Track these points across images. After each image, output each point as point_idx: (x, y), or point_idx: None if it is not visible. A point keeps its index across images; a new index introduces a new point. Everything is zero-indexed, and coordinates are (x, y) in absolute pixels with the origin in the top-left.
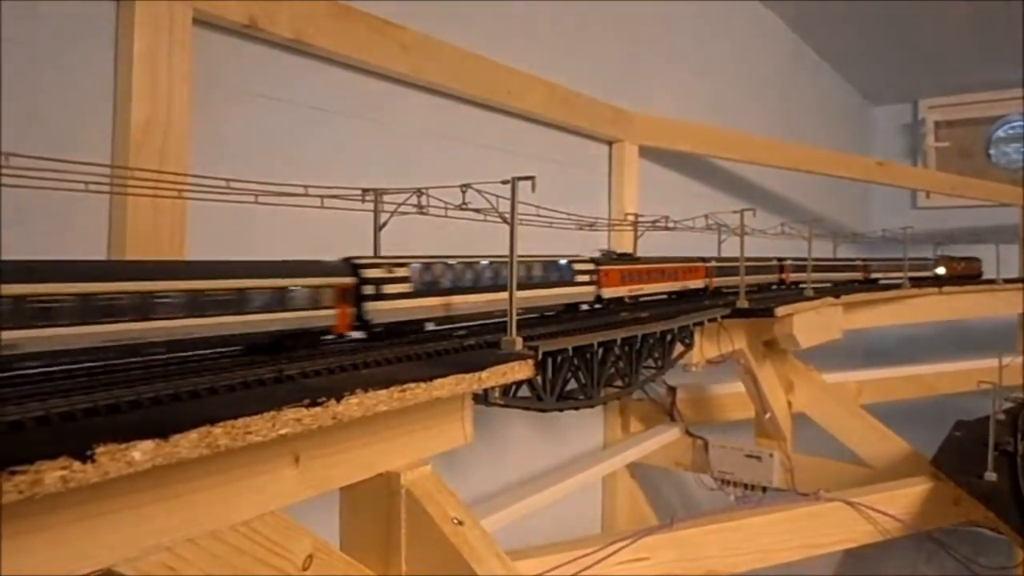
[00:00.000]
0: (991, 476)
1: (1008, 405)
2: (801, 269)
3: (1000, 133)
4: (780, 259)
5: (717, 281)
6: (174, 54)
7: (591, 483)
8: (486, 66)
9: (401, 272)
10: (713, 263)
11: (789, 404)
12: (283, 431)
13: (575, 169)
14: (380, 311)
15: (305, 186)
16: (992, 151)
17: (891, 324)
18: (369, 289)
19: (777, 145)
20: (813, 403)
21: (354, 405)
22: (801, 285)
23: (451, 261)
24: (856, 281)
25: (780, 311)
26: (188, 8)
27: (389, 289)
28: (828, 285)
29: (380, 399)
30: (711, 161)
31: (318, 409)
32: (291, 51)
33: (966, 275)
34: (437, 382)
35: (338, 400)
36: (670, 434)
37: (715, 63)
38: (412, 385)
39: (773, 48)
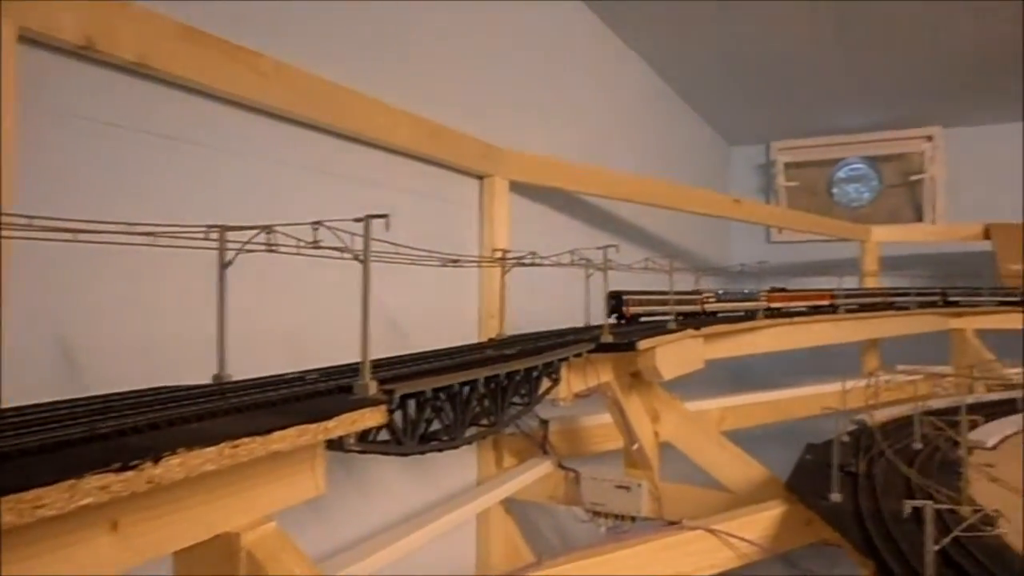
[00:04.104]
0: (836, 497)
1: (852, 427)
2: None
3: (841, 174)
4: (944, 288)
5: (840, 302)
6: None
7: (465, 521)
8: (350, 97)
9: (711, 294)
10: (839, 290)
11: (656, 434)
12: (85, 501)
13: (446, 204)
14: (711, 309)
15: (128, 223)
16: (835, 190)
17: (749, 354)
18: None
19: (641, 182)
20: (677, 432)
21: (175, 466)
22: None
23: (722, 291)
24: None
25: (642, 344)
26: (12, 25)
27: (709, 299)
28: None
29: (207, 458)
30: (582, 198)
31: (131, 473)
32: (136, 75)
33: None
34: (276, 435)
35: (156, 462)
36: (543, 468)
37: (584, 103)
38: (246, 440)
39: (638, 90)
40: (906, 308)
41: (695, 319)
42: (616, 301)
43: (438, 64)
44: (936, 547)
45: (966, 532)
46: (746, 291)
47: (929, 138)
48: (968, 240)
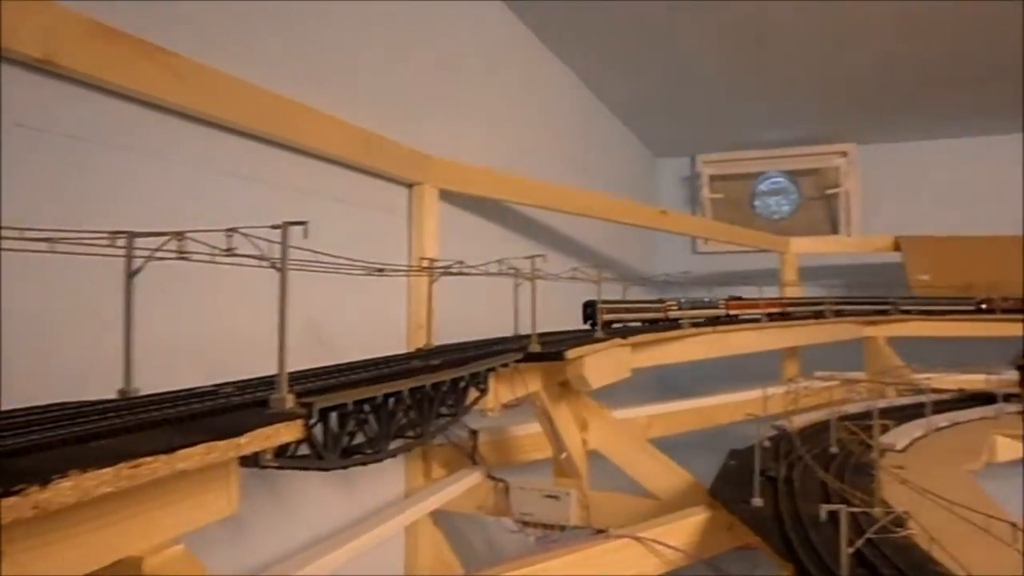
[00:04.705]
0: (757, 501)
1: (773, 433)
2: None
3: (762, 187)
4: (896, 298)
5: (792, 310)
6: None
7: (392, 535)
8: (273, 101)
9: (673, 303)
10: (787, 300)
11: (584, 442)
12: None
13: (374, 211)
14: (674, 316)
15: (22, 228)
16: (757, 203)
17: (677, 362)
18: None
19: (570, 192)
20: (605, 440)
21: (66, 490)
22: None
23: (684, 299)
24: None
25: (570, 354)
26: None
27: (672, 307)
28: None
29: (103, 480)
30: (511, 207)
31: (14, 499)
32: (44, 73)
33: None
34: (181, 453)
35: (43, 485)
36: (472, 478)
37: (515, 114)
38: (148, 459)
39: (567, 101)
40: (863, 315)
41: (658, 325)
42: (591, 309)
43: (362, 69)
44: (850, 549)
45: (878, 534)
46: (707, 299)
47: (844, 154)
48: (880, 251)
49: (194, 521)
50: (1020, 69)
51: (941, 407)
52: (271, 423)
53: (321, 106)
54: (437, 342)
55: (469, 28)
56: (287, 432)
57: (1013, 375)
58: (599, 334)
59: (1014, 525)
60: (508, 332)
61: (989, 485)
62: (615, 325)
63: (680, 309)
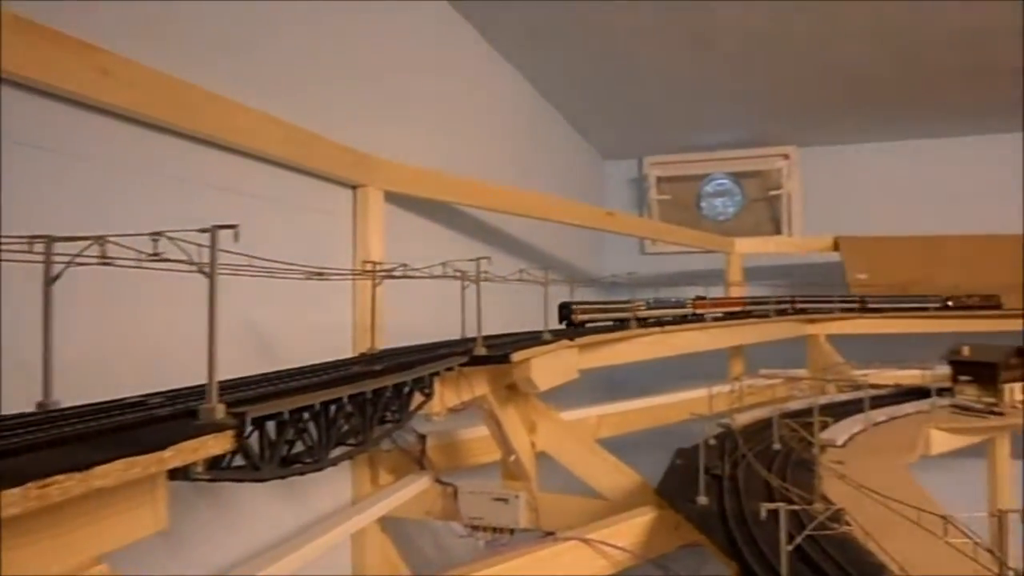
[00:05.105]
0: (703, 500)
1: (719, 431)
2: None
3: (708, 189)
4: (861, 296)
5: (752, 308)
6: None
7: (338, 543)
8: (208, 99)
9: (642, 303)
10: (748, 299)
11: (533, 444)
12: None
13: (319, 214)
14: (642, 315)
15: None
16: (703, 204)
17: (624, 362)
18: (641, 307)
19: (517, 194)
20: (553, 441)
21: None
22: None
23: (652, 299)
24: None
25: (516, 357)
26: None
27: (640, 307)
28: None
29: (9, 500)
30: (459, 209)
31: None
32: None
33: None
34: (98, 470)
35: None
36: (420, 483)
37: (462, 116)
38: (61, 478)
39: (516, 104)
40: (828, 312)
41: (626, 324)
42: (566, 310)
43: (304, 70)
44: (790, 547)
45: (817, 530)
46: (674, 299)
47: (785, 156)
48: (820, 251)
49: (118, 539)
50: (954, 76)
51: (879, 402)
52: (199, 435)
53: (262, 108)
54: (387, 345)
55: (414, 28)
56: (215, 444)
57: (946, 370)
58: (547, 335)
59: (944, 518)
60: (458, 335)
61: (924, 477)
62: (588, 324)
63: (649, 309)
